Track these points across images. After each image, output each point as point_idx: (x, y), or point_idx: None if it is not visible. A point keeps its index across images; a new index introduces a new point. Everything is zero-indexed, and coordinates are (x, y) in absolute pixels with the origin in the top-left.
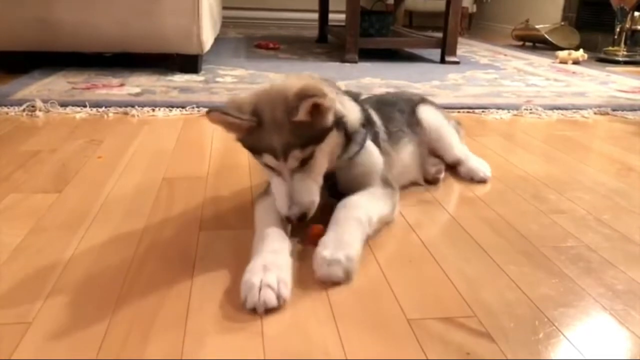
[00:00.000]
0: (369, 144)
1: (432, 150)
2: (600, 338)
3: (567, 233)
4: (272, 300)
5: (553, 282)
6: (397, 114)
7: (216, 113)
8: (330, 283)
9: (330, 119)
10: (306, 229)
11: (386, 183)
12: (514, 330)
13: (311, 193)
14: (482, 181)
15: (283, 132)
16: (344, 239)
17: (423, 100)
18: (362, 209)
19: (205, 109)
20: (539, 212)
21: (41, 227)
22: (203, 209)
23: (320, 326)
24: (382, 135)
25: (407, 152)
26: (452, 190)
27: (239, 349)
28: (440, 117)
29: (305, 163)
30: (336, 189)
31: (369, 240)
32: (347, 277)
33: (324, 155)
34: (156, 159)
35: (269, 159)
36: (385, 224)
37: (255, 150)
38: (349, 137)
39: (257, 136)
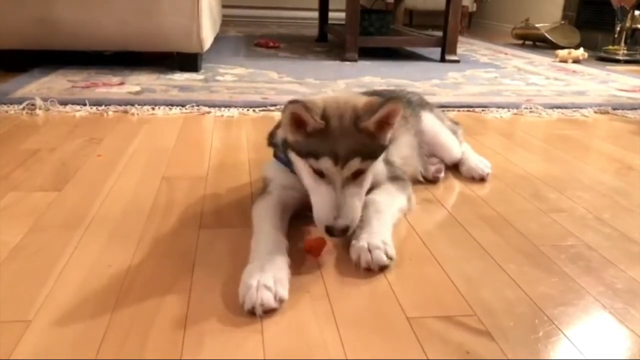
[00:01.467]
0: None
1: (432, 155)
2: (600, 337)
3: (567, 232)
4: (269, 301)
5: (553, 280)
6: (401, 124)
7: (299, 105)
8: (377, 269)
9: (388, 136)
10: (307, 237)
11: (395, 179)
12: (513, 329)
13: (358, 209)
14: (482, 179)
15: (348, 138)
16: (373, 229)
17: (422, 104)
18: (383, 204)
19: (202, 107)
20: (538, 211)
21: (41, 226)
22: (203, 208)
23: (320, 325)
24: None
25: (403, 142)
26: (452, 189)
27: (238, 349)
28: (439, 125)
29: (357, 177)
30: None
31: None
32: (391, 260)
33: (371, 175)
34: (156, 158)
35: (327, 163)
36: (406, 211)
37: (313, 153)
38: None
39: (319, 140)
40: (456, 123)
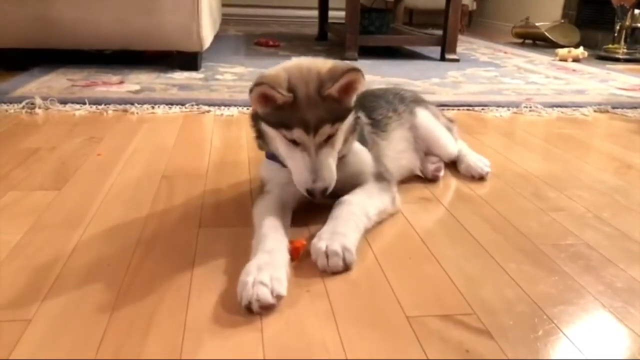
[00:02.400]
0: (356, 146)
1: (428, 152)
2: (600, 336)
3: (567, 231)
4: (266, 296)
5: (552, 279)
6: (382, 103)
7: (265, 86)
8: (330, 273)
9: (353, 99)
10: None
11: (380, 178)
12: (513, 328)
13: (333, 169)
14: (482, 178)
15: (316, 107)
16: (338, 230)
17: (416, 100)
18: (357, 205)
19: (202, 106)
20: (538, 210)
21: (40, 225)
22: (202, 207)
23: (320, 324)
24: (367, 128)
25: (397, 137)
26: (451, 188)
27: (238, 348)
28: (433, 121)
29: (328, 139)
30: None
31: (368, 238)
32: (347, 267)
33: (342, 135)
34: (156, 157)
35: (299, 133)
36: (388, 215)
37: (285, 124)
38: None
39: (289, 111)
40: (451, 121)
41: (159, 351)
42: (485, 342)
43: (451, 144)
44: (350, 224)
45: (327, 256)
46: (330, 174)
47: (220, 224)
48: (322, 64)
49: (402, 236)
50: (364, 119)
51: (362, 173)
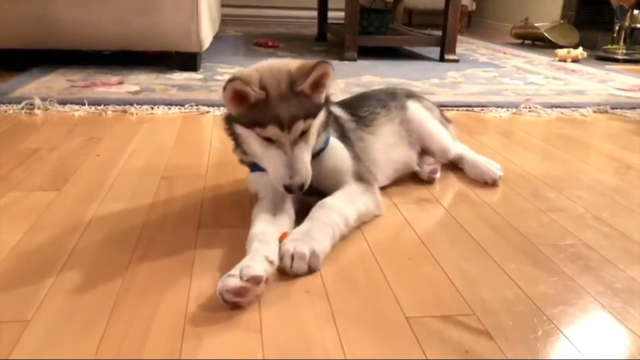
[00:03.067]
0: (333, 141)
1: (422, 147)
2: (599, 336)
3: (566, 231)
4: (232, 282)
5: (552, 280)
6: (371, 101)
7: (238, 82)
8: (292, 275)
9: (323, 95)
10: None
11: (360, 179)
12: (512, 329)
13: (308, 164)
14: (494, 183)
15: (288, 104)
16: (312, 234)
17: (409, 95)
18: (335, 210)
19: (201, 107)
20: (537, 211)
21: (40, 225)
22: (202, 207)
23: (319, 324)
24: (349, 125)
25: (385, 131)
26: (450, 189)
27: (237, 348)
28: (425, 113)
29: (303, 135)
30: (310, 188)
31: (368, 238)
32: (311, 271)
33: (315, 130)
34: (155, 157)
35: (273, 130)
36: (370, 217)
37: (259, 123)
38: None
39: (262, 109)
40: (446, 119)
41: (158, 351)
42: (485, 342)
43: (445, 138)
44: (326, 230)
45: (292, 258)
46: (307, 169)
47: (219, 224)
48: (291, 62)
49: (401, 237)
50: (345, 116)
51: (340, 171)
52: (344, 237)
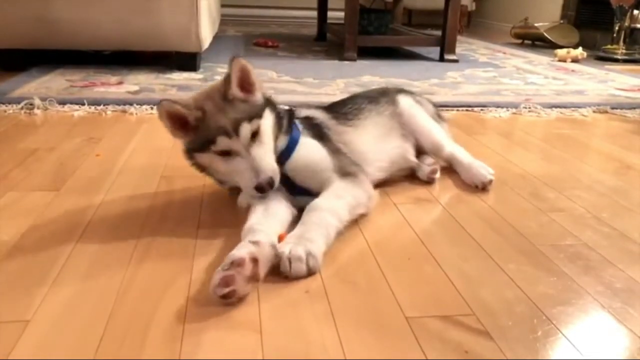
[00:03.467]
0: (303, 139)
1: (415, 142)
2: (599, 336)
3: (566, 231)
4: (213, 280)
5: (552, 280)
6: (358, 100)
7: (167, 102)
8: (293, 278)
9: (259, 96)
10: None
11: (345, 173)
12: (512, 329)
13: (270, 159)
14: (484, 187)
15: (226, 112)
16: (306, 235)
17: (400, 90)
18: (324, 210)
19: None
20: (537, 211)
21: (39, 225)
22: (201, 207)
23: (319, 324)
24: (327, 123)
25: (372, 123)
26: (450, 189)
27: (237, 348)
28: (416, 107)
29: (255, 137)
30: (295, 188)
31: (368, 238)
32: (310, 272)
33: (268, 131)
34: (154, 157)
35: (223, 141)
36: (365, 209)
37: (209, 140)
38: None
39: (205, 126)
40: (439, 115)
41: (158, 352)
42: (485, 342)
43: (438, 133)
44: (320, 230)
45: (290, 261)
46: (270, 165)
47: (218, 224)
48: (218, 81)
49: (401, 237)
50: (322, 115)
51: (318, 166)
52: (340, 234)
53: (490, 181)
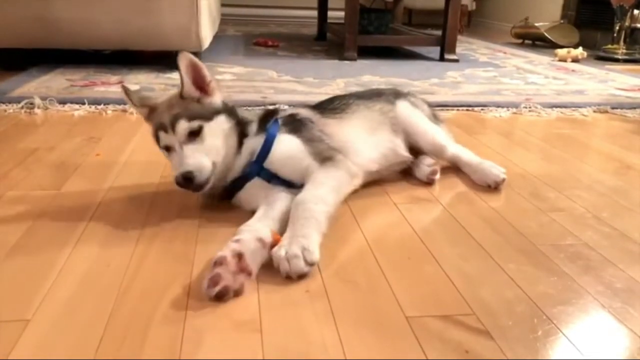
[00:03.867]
0: (280, 137)
1: (415, 146)
2: (599, 336)
3: (566, 231)
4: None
5: (552, 280)
6: (347, 97)
7: (122, 88)
8: (296, 278)
9: (217, 100)
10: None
11: (324, 158)
12: (512, 328)
13: (197, 158)
14: (497, 186)
15: (172, 109)
16: (297, 233)
17: (397, 94)
18: (308, 201)
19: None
20: (537, 210)
21: (39, 225)
22: (201, 208)
23: (319, 324)
24: (310, 117)
25: (361, 116)
26: (450, 188)
27: (237, 348)
28: (411, 109)
29: (195, 137)
30: (288, 184)
31: (368, 239)
32: (310, 265)
33: (215, 135)
34: (154, 156)
35: (162, 136)
36: (352, 187)
37: (155, 136)
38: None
39: (153, 123)
40: (438, 118)
41: (158, 352)
42: (485, 342)
43: (438, 135)
44: (309, 222)
45: (288, 261)
46: (192, 160)
47: (219, 223)
48: None
49: (401, 236)
50: (305, 112)
51: (295, 157)
52: (331, 217)
53: (503, 180)
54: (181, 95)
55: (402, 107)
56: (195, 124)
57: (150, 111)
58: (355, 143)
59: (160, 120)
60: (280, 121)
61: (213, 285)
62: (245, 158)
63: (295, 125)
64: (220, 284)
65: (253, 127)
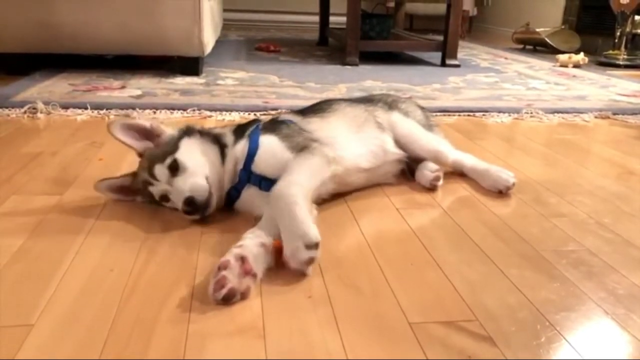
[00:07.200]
0: (261, 140)
1: (415, 156)
2: (602, 342)
3: (568, 237)
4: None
5: (554, 286)
6: (331, 100)
7: (103, 183)
8: (307, 267)
9: (167, 133)
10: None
11: (299, 149)
12: (515, 334)
13: (188, 182)
14: (508, 190)
15: (143, 164)
16: (288, 229)
17: (391, 105)
18: (283, 188)
19: (204, 111)
20: (539, 216)
21: (42, 229)
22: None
23: (322, 329)
24: (294, 118)
25: (344, 113)
26: (452, 194)
27: (240, 352)
28: (401, 118)
29: (176, 171)
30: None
31: (370, 244)
32: (313, 249)
33: (191, 156)
34: None
35: (153, 189)
36: (330, 172)
37: (148, 196)
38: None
39: (139, 189)
40: (429, 119)
41: (162, 354)
42: (488, 348)
43: (434, 141)
44: (291, 209)
45: (292, 256)
46: (187, 185)
47: (223, 229)
48: None
49: (403, 242)
50: (290, 115)
51: (276, 153)
52: (310, 190)
53: (514, 184)
54: (139, 155)
55: (395, 119)
56: (167, 161)
57: (133, 176)
58: (338, 137)
59: (142, 179)
60: (260, 126)
61: (219, 289)
62: (232, 166)
63: (274, 126)
64: (226, 286)
65: (228, 137)
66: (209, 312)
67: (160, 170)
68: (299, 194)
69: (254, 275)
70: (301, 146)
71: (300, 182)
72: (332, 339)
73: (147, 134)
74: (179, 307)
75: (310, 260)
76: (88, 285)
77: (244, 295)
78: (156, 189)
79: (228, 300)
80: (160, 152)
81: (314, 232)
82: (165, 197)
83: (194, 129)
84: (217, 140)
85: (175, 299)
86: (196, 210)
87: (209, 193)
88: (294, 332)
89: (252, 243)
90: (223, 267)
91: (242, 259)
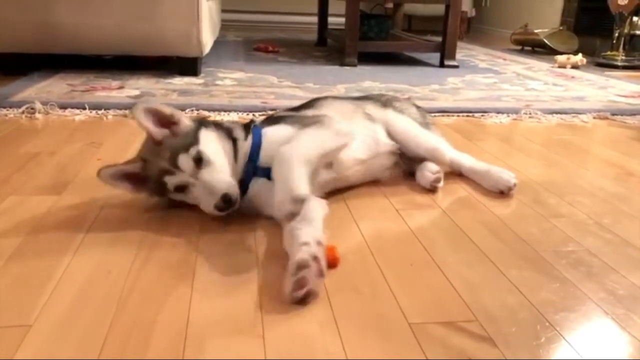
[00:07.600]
0: (265, 131)
1: (412, 154)
2: (602, 343)
3: (568, 237)
4: (293, 261)
5: (554, 286)
6: (319, 99)
7: (109, 169)
8: (288, 219)
9: (186, 123)
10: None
11: (307, 125)
12: (515, 335)
13: (223, 176)
14: (509, 190)
15: (160, 154)
16: (281, 182)
17: (386, 103)
18: (282, 152)
19: (202, 111)
20: (539, 216)
21: (40, 229)
22: (203, 213)
23: (322, 330)
24: (289, 113)
25: (335, 105)
26: (452, 194)
27: (239, 353)
28: (395, 115)
29: (200, 163)
30: None
31: (370, 245)
32: (297, 204)
33: (215, 152)
34: None
35: (171, 179)
36: (338, 143)
37: (160, 184)
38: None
39: (151, 175)
40: (425, 117)
41: (160, 355)
42: (488, 349)
43: (431, 139)
44: (283, 164)
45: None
46: (221, 183)
47: (221, 229)
48: None
49: (403, 243)
50: (284, 112)
51: (282, 141)
52: (319, 158)
53: (515, 184)
54: (155, 142)
55: (389, 116)
56: (193, 151)
57: (144, 163)
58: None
59: (160, 167)
60: (258, 123)
61: (298, 289)
62: (243, 160)
63: (274, 119)
64: (306, 287)
65: (238, 131)
66: (208, 313)
67: (186, 161)
68: (298, 156)
69: (323, 276)
70: (309, 123)
71: (301, 146)
72: (331, 339)
73: (164, 121)
74: (177, 308)
75: (293, 215)
76: (86, 287)
77: (315, 296)
78: (175, 179)
79: (304, 300)
80: (181, 142)
81: (302, 189)
82: (181, 188)
83: (208, 121)
84: (229, 134)
85: (174, 299)
86: (228, 208)
87: (237, 193)
88: (293, 332)
89: (314, 241)
90: (303, 266)
91: (316, 259)
